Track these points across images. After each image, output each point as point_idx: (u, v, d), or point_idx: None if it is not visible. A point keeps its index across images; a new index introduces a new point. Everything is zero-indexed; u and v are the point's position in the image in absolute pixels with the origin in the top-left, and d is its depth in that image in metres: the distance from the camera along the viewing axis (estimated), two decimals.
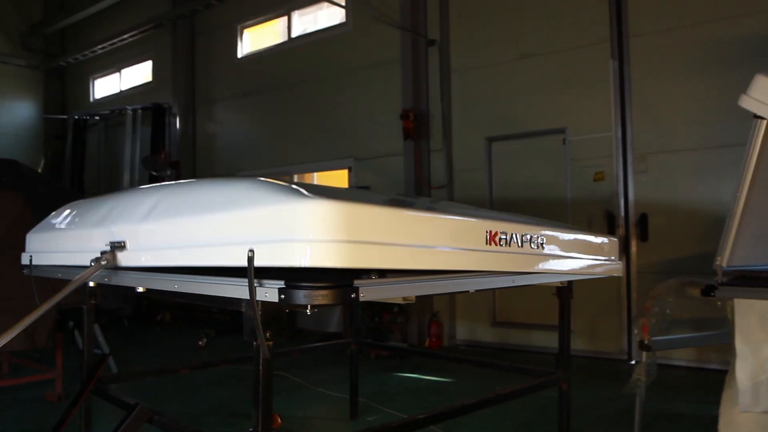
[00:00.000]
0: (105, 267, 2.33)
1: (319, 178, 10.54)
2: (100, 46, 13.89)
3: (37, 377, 5.84)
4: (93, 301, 3.27)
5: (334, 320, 8.75)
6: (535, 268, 2.24)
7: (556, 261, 2.38)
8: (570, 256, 2.48)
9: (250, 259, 1.62)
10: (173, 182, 2.52)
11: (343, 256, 1.56)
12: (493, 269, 2.05)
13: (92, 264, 2.33)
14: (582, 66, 7.54)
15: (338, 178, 9.96)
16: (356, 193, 2.05)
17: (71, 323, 6.28)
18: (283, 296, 1.63)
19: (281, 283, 1.65)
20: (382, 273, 1.82)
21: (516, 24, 8.13)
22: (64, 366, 5.70)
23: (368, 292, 1.69)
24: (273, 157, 10.76)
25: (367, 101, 9.44)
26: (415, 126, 8.49)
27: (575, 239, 2.56)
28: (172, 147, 12.16)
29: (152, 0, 12.55)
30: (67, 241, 2.87)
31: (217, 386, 6.09)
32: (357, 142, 9.55)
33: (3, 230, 5.24)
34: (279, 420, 4.55)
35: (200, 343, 8.50)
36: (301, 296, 1.61)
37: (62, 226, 2.99)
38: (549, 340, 7.50)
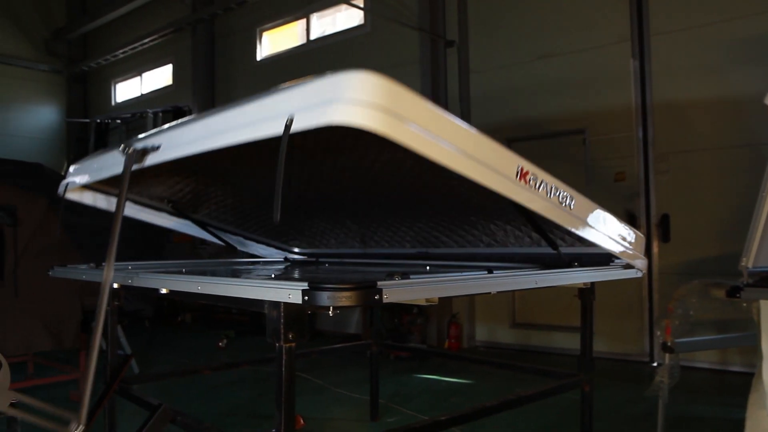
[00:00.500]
0: (136, 162, 2.35)
1: None
2: (121, 51, 14.07)
3: (61, 377, 5.92)
4: (116, 303, 3.32)
5: (353, 322, 8.77)
6: (559, 220, 2.21)
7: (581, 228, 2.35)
8: (595, 227, 2.45)
9: (288, 127, 1.61)
10: None
11: (379, 121, 1.55)
12: (519, 201, 2.02)
13: (123, 153, 2.36)
14: (602, 65, 7.48)
15: None
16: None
17: (94, 324, 6.37)
18: (306, 298, 1.64)
19: (305, 285, 1.66)
20: (405, 275, 1.82)
21: (535, 24, 8.09)
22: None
23: (392, 293, 1.69)
24: None
25: None
26: None
27: (603, 215, 2.54)
28: None
29: (173, 4, 12.65)
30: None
31: (238, 387, 6.13)
32: None
33: (29, 233, 5.33)
34: (301, 421, 4.59)
35: (220, 344, 8.56)
36: (325, 298, 1.62)
37: None
38: (570, 342, 7.46)
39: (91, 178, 2.92)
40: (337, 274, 2.96)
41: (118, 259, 3.33)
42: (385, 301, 1.66)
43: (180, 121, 2.31)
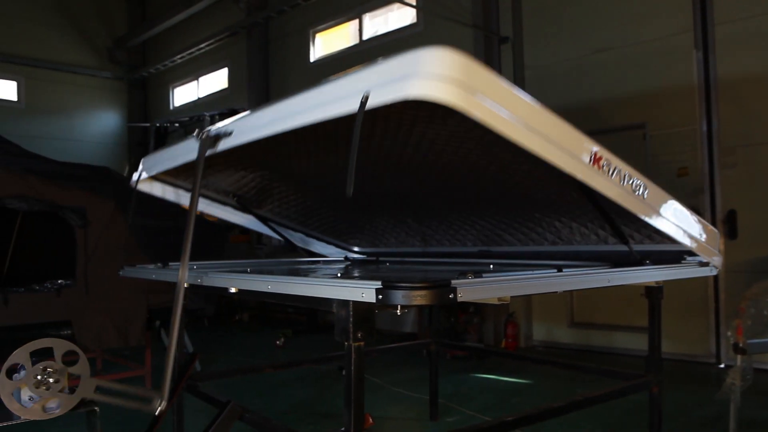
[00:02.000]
0: (209, 147, 2.41)
1: None
2: (179, 56, 14.45)
3: (127, 374, 6.12)
4: (183, 302, 3.39)
5: (409, 320, 8.76)
6: (633, 209, 2.15)
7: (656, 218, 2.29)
8: (670, 219, 2.37)
9: (363, 103, 1.62)
10: None
11: (456, 95, 1.55)
12: (593, 186, 1.98)
13: (197, 138, 2.42)
14: (663, 58, 7.26)
15: None
16: None
17: (158, 323, 6.56)
18: (380, 296, 1.64)
19: (378, 284, 1.65)
20: (478, 274, 1.80)
21: (591, 17, 7.91)
22: (152, 363, 5.97)
23: (466, 292, 1.67)
24: None
25: None
26: None
27: (677, 207, 2.45)
28: None
29: (228, 9, 12.90)
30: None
31: (297, 385, 6.20)
32: None
33: (97, 234, 5.52)
34: (370, 420, 4.61)
35: (278, 342, 8.68)
36: (400, 296, 1.61)
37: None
38: (632, 342, 7.28)
39: (163, 167, 3.02)
40: (404, 273, 2.95)
41: (179, 260, 3.43)
42: (459, 300, 1.65)
43: (252, 109, 2.36)
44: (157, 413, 2.47)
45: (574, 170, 1.89)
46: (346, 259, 4.32)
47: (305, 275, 2.45)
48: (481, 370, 6.79)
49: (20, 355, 2.19)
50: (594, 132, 7.49)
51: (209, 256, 4.62)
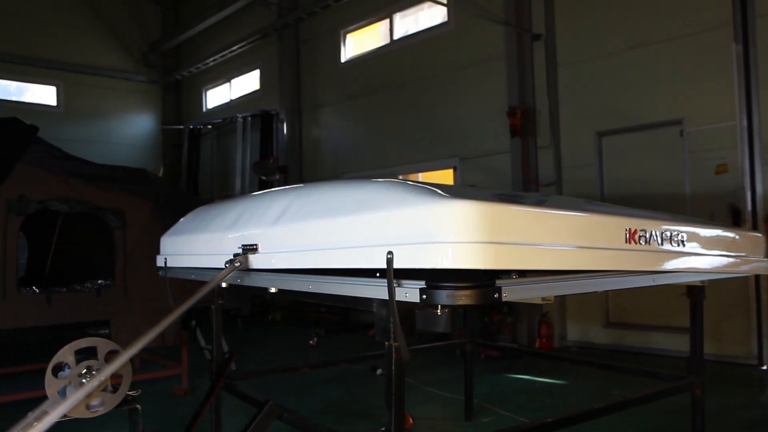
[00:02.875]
0: (238, 269, 2.43)
1: (424, 178, 10.56)
2: (211, 59, 14.64)
3: (164, 372, 6.21)
4: (220, 301, 3.43)
5: (442, 320, 8.73)
6: (676, 267, 2.12)
7: (698, 258, 2.24)
8: (713, 254, 2.33)
9: (390, 261, 1.63)
10: (303, 185, 2.59)
11: (486, 257, 1.54)
12: (633, 269, 1.97)
13: (227, 266, 2.43)
14: (701, 52, 7.11)
15: (443, 178, 9.94)
16: (490, 192, 2.03)
17: (194, 322, 6.65)
18: (424, 296, 1.63)
19: (422, 284, 1.65)
20: (522, 272, 1.79)
21: (626, 11, 7.78)
22: (188, 362, 6.05)
23: (510, 292, 1.66)
24: (378, 159, 10.89)
25: (472, 100, 9.36)
26: (522, 123, 8.33)
27: (717, 236, 2.41)
28: (279, 152, 12.59)
29: (259, 12, 13.02)
30: (199, 245, 3.02)
31: (330, 385, 6.23)
32: (462, 141, 9.49)
33: (136, 235, 5.61)
34: (410, 420, 4.60)
35: (311, 342, 8.73)
36: (444, 296, 1.60)
37: (194, 230, 3.15)
38: (669, 343, 7.14)
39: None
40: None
41: None
42: (503, 299, 1.63)
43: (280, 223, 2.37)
44: None
45: (611, 266, 1.91)
46: None
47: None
48: (515, 370, 6.74)
49: (65, 354, 2.23)
50: (628, 129, 7.37)
51: None
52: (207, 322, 7.05)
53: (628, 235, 1.92)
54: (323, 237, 1.98)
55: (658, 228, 2.03)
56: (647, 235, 1.98)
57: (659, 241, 2.02)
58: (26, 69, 14.40)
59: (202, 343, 7.06)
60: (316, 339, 8.80)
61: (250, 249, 2.40)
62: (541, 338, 8.03)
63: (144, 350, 6.48)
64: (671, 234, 2.08)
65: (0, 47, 13.93)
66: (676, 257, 2.12)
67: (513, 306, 7.85)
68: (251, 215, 2.54)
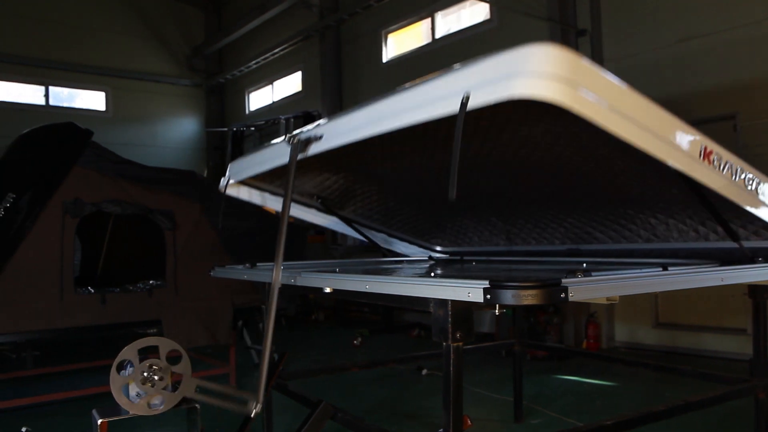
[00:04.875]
0: (300, 152, 2.45)
1: None
2: (254, 62, 14.83)
3: (213, 372, 6.30)
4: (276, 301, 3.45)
5: (486, 320, 8.67)
6: (746, 205, 2.04)
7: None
8: None
9: (464, 104, 1.60)
10: None
11: (561, 92, 1.51)
12: (704, 182, 1.91)
13: (288, 143, 2.47)
14: (753, 44, 6.89)
15: None
16: None
17: (240, 322, 6.73)
18: (488, 296, 1.61)
19: (485, 283, 1.63)
20: (587, 273, 1.75)
21: (674, 5, 7.59)
22: (236, 362, 6.13)
23: (577, 291, 1.62)
24: None
25: None
26: None
27: None
28: None
29: (300, 14, 13.13)
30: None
31: (376, 385, 6.23)
32: None
33: (184, 236, 5.72)
34: (469, 421, 4.58)
35: (355, 342, 8.75)
36: (509, 296, 1.58)
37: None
38: (723, 344, 6.94)
39: (252, 171, 3.08)
40: (507, 272, 2.90)
41: (265, 260, 3.50)
42: (570, 299, 1.60)
43: (342, 112, 2.38)
44: (252, 415, 2.53)
45: (686, 167, 1.82)
46: (430, 258, 4.30)
47: (398, 274, 2.44)
48: (563, 371, 6.64)
49: (129, 352, 2.28)
50: None
51: (290, 257, 4.70)
52: (253, 322, 7.16)
53: (703, 152, 1.87)
54: (388, 108, 2.03)
55: (732, 162, 1.97)
56: (721, 162, 1.92)
57: (732, 174, 1.97)
58: (77, 76, 14.84)
59: (249, 342, 7.15)
60: (360, 339, 8.82)
61: (315, 138, 2.42)
62: (588, 339, 7.89)
63: (192, 349, 6.63)
64: (746, 175, 2.02)
65: (54, 55, 14.39)
66: (749, 198, 2.05)
67: (559, 306, 7.73)
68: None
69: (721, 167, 1.94)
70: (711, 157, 1.89)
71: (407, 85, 1.96)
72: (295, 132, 2.55)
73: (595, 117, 1.58)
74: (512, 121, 2.01)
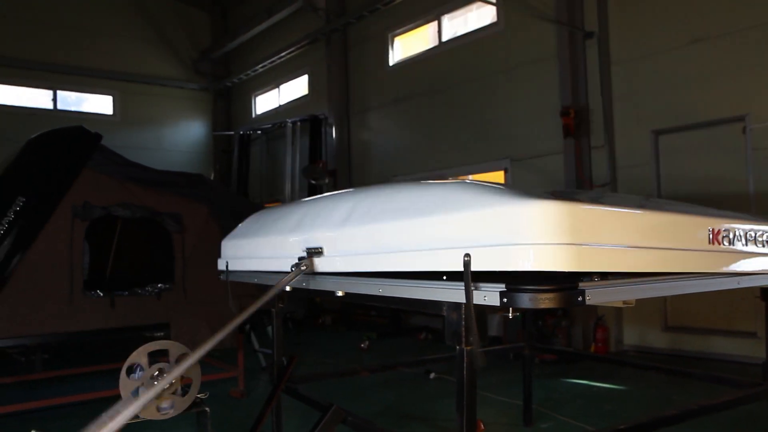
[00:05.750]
0: (304, 272, 2.43)
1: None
2: (260, 65, 14.86)
3: (221, 375, 6.30)
4: (281, 305, 3.45)
5: (494, 323, 8.64)
6: (763, 269, 2.03)
7: None
8: None
9: (467, 264, 1.60)
10: (367, 187, 2.58)
11: (570, 258, 1.49)
12: (716, 271, 1.89)
13: (292, 269, 2.44)
14: (764, 45, 6.85)
15: (493, 180, 9.83)
16: (566, 192, 1.98)
17: (248, 326, 6.73)
18: (505, 300, 1.60)
19: (502, 287, 1.61)
20: (603, 275, 1.74)
21: (683, 6, 7.56)
22: (244, 365, 6.13)
23: (593, 294, 1.61)
24: (427, 161, 10.85)
25: (523, 100, 9.24)
26: (576, 123, 8.18)
27: None
28: (328, 156, 12.67)
29: (307, 17, 13.14)
30: (261, 248, 3.04)
31: (383, 388, 6.21)
32: (512, 142, 9.38)
33: (193, 239, 5.72)
34: (482, 426, 4.56)
35: (362, 345, 8.74)
36: (526, 299, 1.56)
37: (255, 233, 3.17)
38: (732, 347, 6.90)
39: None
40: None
41: None
42: (587, 302, 1.59)
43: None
44: None
45: (695, 267, 1.85)
46: None
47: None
48: (572, 374, 6.61)
49: (139, 356, 2.28)
50: (687, 127, 7.15)
51: None
52: (261, 325, 7.16)
53: (711, 236, 1.84)
54: (393, 239, 1.95)
55: (741, 228, 1.95)
56: (731, 236, 1.90)
57: (743, 242, 1.94)
58: (85, 80, 14.89)
59: (257, 345, 7.15)
60: (367, 342, 8.81)
61: (315, 252, 2.40)
62: (597, 342, 7.86)
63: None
64: (756, 234, 1.99)
65: (61, 59, 14.45)
66: (762, 258, 2.03)
67: (568, 309, 7.70)
68: (314, 218, 2.54)
69: (732, 242, 1.94)
70: (719, 237, 1.90)
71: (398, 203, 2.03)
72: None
73: (601, 268, 1.60)
74: None
